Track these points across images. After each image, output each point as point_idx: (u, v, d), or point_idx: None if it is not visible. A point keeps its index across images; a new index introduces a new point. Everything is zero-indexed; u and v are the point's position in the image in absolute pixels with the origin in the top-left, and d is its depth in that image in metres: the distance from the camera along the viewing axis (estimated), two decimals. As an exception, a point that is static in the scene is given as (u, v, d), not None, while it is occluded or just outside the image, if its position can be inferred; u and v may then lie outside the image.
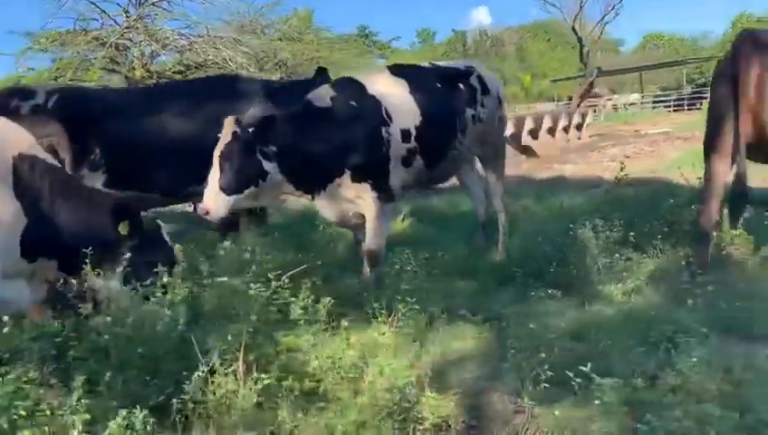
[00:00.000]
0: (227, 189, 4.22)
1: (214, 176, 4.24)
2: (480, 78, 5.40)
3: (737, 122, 4.76)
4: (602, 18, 27.16)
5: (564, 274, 4.91)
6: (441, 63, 5.55)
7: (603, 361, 3.62)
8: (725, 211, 5.29)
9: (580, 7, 25.73)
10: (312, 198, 4.67)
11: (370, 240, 4.75)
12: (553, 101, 56.85)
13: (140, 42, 22.88)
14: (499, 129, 5.65)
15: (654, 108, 45.90)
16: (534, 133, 18.08)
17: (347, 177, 4.59)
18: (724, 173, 4.99)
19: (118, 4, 25.23)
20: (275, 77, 44.25)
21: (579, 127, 20.62)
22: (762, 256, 5.00)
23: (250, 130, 4.18)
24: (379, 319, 4.17)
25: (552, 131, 18.60)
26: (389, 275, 4.52)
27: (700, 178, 5.42)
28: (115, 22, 25.34)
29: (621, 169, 6.61)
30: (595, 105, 45.86)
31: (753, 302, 4.27)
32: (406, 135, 4.80)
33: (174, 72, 26.14)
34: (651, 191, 7.03)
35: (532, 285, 4.87)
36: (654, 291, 4.79)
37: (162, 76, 24.31)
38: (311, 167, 4.48)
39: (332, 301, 3.82)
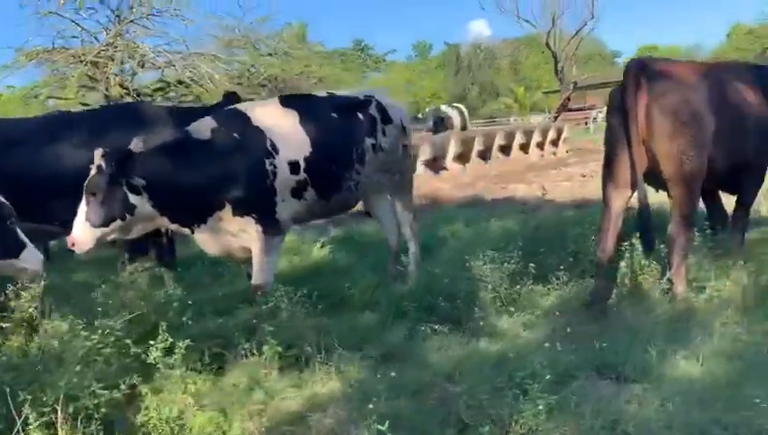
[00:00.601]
0: (93, 222, 4.16)
1: (81, 208, 4.18)
2: (380, 107, 5.32)
3: (631, 152, 4.67)
4: (576, 33, 27.07)
5: (456, 308, 4.81)
6: (340, 93, 5.46)
7: (463, 405, 3.53)
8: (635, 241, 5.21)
9: (553, 23, 25.66)
10: (192, 231, 4.58)
11: (256, 275, 4.66)
12: (545, 112, 56.85)
13: (117, 59, 22.98)
14: (404, 157, 5.55)
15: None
16: (506, 149, 18.05)
17: (228, 210, 4.51)
18: (621, 204, 4.90)
19: (98, 22, 25.49)
20: (264, 93, 44.33)
21: (554, 142, 20.54)
22: (661, 289, 4.90)
23: (113, 162, 4.11)
24: (251, 359, 4.09)
25: (524, 147, 18.53)
26: (272, 312, 4.39)
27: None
28: (96, 39, 25.53)
29: (543, 195, 6.52)
30: (586, 118, 46.20)
31: (634, 339, 4.16)
32: (294, 167, 4.72)
33: (154, 90, 26.26)
34: (574, 218, 6.92)
35: (425, 319, 4.77)
36: (546, 326, 4.68)
37: (141, 93, 24.40)
38: (185, 200, 4.40)
39: (192, 343, 3.72)
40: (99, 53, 23.19)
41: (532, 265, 5.14)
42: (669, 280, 4.86)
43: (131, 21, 25.03)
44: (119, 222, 4.23)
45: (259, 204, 4.58)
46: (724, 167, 5.15)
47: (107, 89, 22.90)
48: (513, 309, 4.83)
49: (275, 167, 4.62)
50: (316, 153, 4.80)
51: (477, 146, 16.33)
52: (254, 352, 4.07)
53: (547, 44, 26.50)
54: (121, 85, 23.44)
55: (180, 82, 24.88)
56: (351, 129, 5.08)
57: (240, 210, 4.52)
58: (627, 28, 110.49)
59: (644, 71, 4.66)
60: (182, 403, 3.23)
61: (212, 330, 4.36)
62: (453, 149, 15.42)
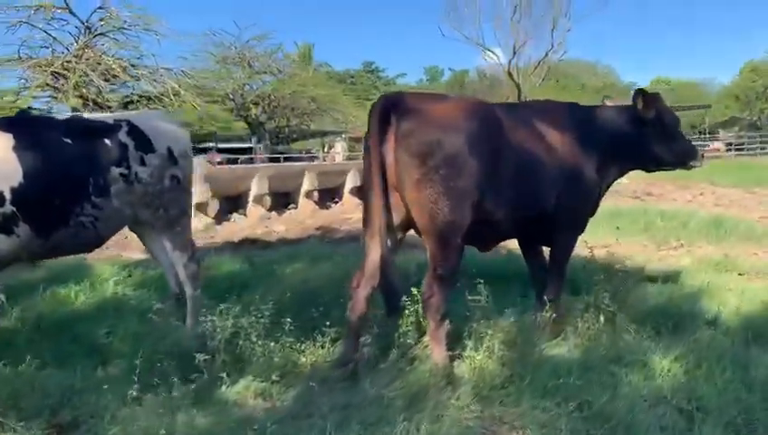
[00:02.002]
0: None
1: None
2: (136, 133, 4.74)
3: (378, 199, 4.08)
4: (539, 64, 26.34)
5: (185, 368, 4.19)
6: (89, 115, 4.90)
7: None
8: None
9: (514, 53, 25.01)
10: None
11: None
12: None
13: (78, 70, 22.66)
14: (172, 190, 4.94)
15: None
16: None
17: None
18: (378, 255, 4.28)
19: (69, 33, 25.32)
20: (256, 111, 43.81)
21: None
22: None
23: None
24: None
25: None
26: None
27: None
28: (68, 50, 25.34)
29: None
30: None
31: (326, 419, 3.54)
32: (-2, 198, 4.15)
33: (123, 104, 25.90)
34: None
35: (146, 379, 4.15)
36: (269, 395, 4.06)
37: (101, 105, 24.04)
38: None
39: None
40: (62, 63, 22.99)
41: (288, 319, 4.52)
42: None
43: (101, 33, 24.87)
44: None
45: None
46: (513, 217, 4.55)
47: (67, 100, 22.64)
48: (247, 372, 4.21)
49: (-29, 197, 4.05)
50: (30, 183, 4.22)
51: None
52: None
53: (509, 75, 25.72)
54: (83, 97, 23.12)
55: (148, 98, 24.53)
56: (88, 156, 4.50)
57: None
58: (642, 60, 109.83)
59: (395, 107, 4.06)
60: None
61: None
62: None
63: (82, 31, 24.58)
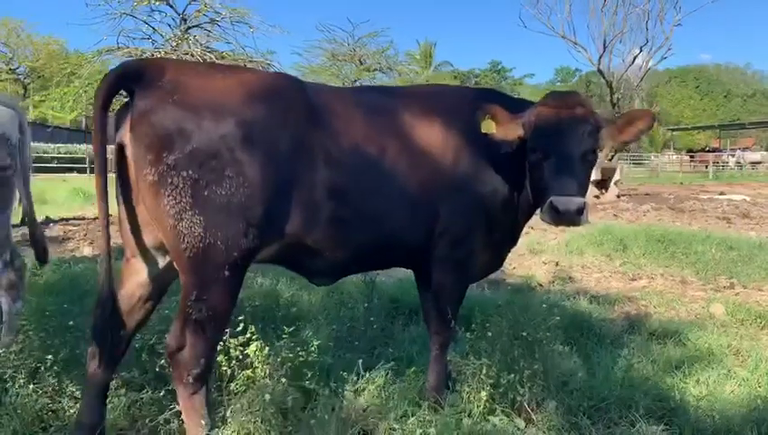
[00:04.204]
0: None
1: None
2: None
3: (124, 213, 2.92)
4: (633, 61, 23.20)
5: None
6: None
7: None
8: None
9: (605, 47, 22.08)
10: None
11: None
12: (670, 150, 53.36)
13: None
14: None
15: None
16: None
17: None
18: (135, 284, 3.09)
19: (168, 25, 25.85)
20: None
21: (600, 184, 17.76)
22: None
23: None
24: None
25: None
26: None
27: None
28: (167, 42, 25.92)
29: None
30: (716, 161, 43.36)
31: None
32: None
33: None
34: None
35: None
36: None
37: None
38: None
39: None
40: (152, 54, 23.42)
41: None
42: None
43: (196, 26, 25.19)
44: None
45: None
46: (349, 244, 3.21)
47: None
48: None
49: None
50: None
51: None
52: None
53: (600, 72, 22.86)
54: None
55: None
56: None
57: None
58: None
59: (137, 79, 2.83)
60: None
61: None
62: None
63: (179, 22, 25.03)
